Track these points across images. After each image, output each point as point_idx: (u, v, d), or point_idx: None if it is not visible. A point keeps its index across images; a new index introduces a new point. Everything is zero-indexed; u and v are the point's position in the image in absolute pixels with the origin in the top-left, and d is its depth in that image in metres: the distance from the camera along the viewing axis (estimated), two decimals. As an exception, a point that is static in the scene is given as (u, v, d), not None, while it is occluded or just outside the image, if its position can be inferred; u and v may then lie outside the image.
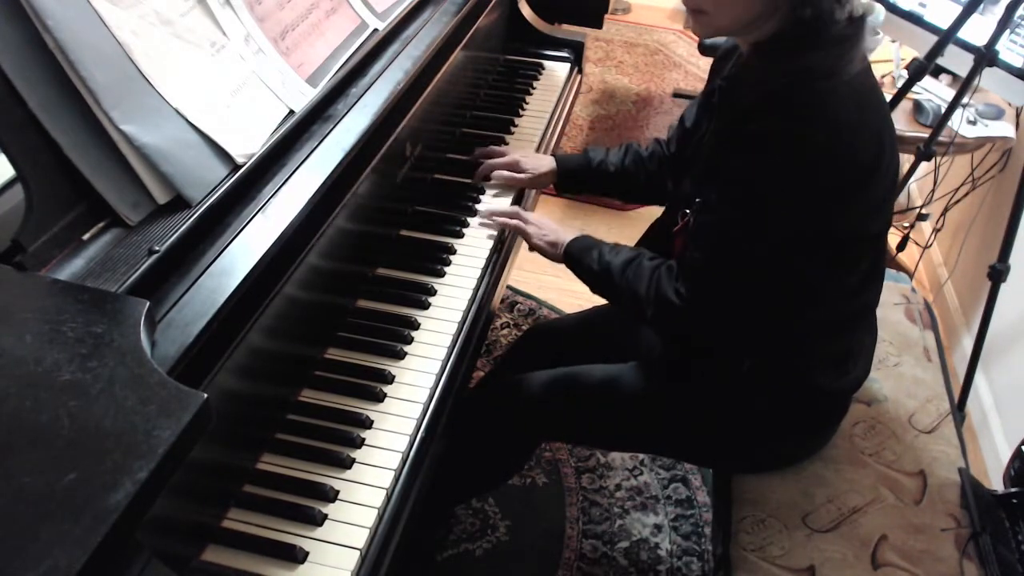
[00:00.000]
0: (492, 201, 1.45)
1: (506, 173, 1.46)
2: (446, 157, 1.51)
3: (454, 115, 1.56)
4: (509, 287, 2.32)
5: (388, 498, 0.96)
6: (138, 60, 0.89)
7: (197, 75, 0.95)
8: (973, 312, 2.19)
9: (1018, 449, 1.33)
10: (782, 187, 1.01)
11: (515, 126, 1.67)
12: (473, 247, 1.34)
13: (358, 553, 0.89)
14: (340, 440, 1.00)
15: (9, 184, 0.85)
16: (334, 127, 1.09)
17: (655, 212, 1.34)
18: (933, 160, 2.10)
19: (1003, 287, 1.89)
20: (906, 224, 2.37)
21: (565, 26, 2.13)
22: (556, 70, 1.86)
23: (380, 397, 1.06)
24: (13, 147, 0.77)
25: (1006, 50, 1.87)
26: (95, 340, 0.67)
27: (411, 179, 1.32)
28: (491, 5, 1.60)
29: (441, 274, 1.27)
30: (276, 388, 1.02)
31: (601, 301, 1.28)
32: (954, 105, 1.94)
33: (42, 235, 0.79)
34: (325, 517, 0.92)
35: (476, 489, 1.62)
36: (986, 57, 1.83)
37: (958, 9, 1.93)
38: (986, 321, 1.93)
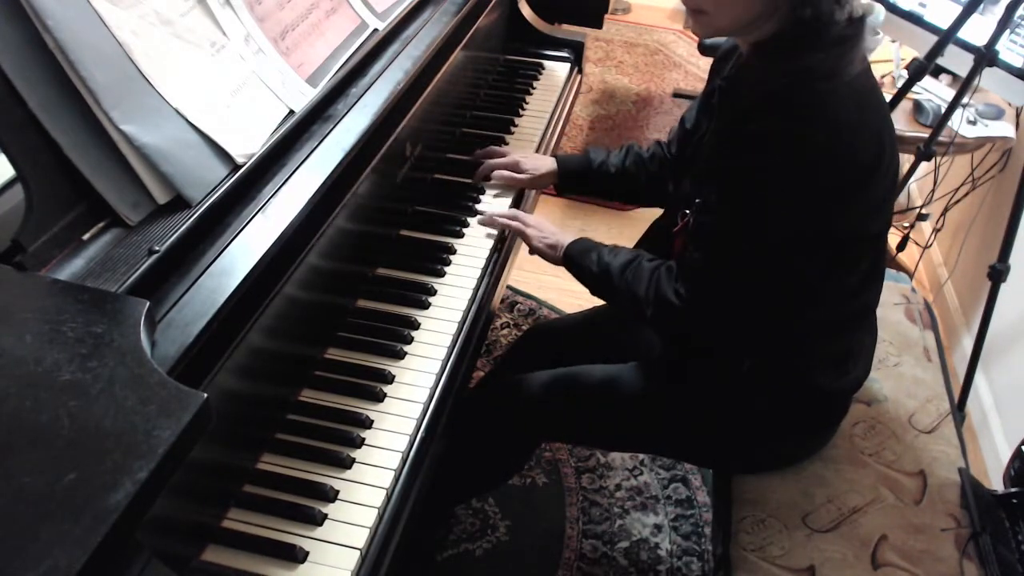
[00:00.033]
0: (492, 201, 1.45)
1: (506, 173, 1.46)
2: (446, 157, 1.51)
3: (454, 115, 1.56)
4: (509, 287, 2.32)
5: (388, 498, 0.96)
6: (138, 60, 0.89)
7: (197, 75, 0.95)
8: (973, 312, 2.19)
9: (1018, 449, 1.33)
10: (782, 187, 1.01)
11: (515, 126, 1.67)
12: (473, 247, 1.34)
13: (358, 553, 0.89)
14: (340, 440, 1.00)
15: (9, 184, 0.85)
16: (334, 127, 1.09)
17: (655, 212, 1.34)
18: (933, 160, 2.10)
19: (1003, 287, 1.90)
20: (906, 224, 2.37)
21: (565, 26, 2.13)
22: (556, 70, 1.86)
23: (380, 397, 1.06)
24: (13, 147, 0.77)
25: (1006, 50, 1.87)
26: (95, 340, 0.67)
27: (411, 179, 1.32)
28: (491, 5, 1.60)
29: (441, 274, 1.27)
30: (276, 388, 1.02)
31: (601, 301, 1.28)
32: (954, 105, 1.94)
33: (42, 235, 0.79)
34: (325, 517, 0.92)
35: (476, 489, 1.62)
36: (986, 57, 1.83)
37: (958, 9, 1.93)
38: (986, 321, 1.93)
